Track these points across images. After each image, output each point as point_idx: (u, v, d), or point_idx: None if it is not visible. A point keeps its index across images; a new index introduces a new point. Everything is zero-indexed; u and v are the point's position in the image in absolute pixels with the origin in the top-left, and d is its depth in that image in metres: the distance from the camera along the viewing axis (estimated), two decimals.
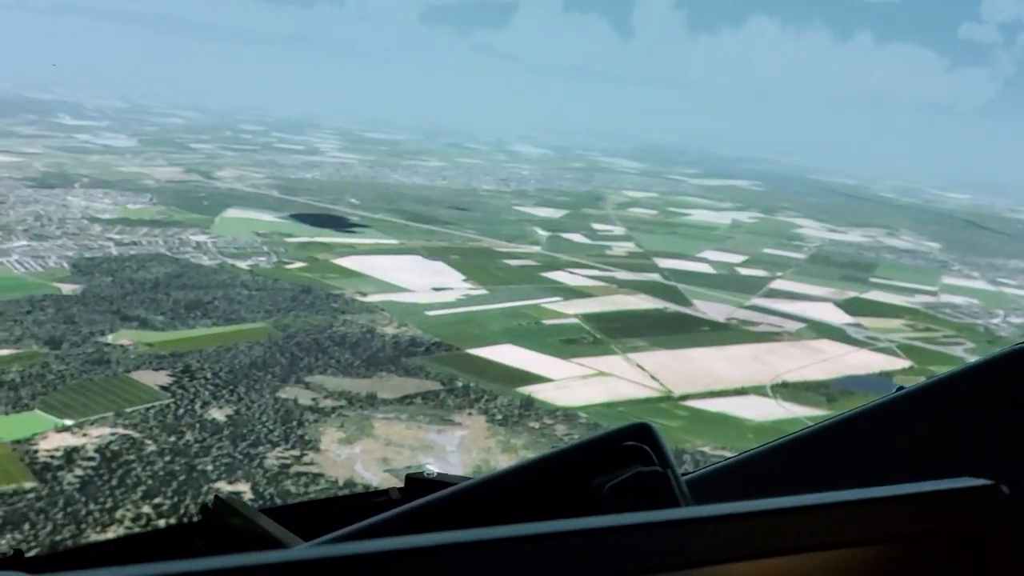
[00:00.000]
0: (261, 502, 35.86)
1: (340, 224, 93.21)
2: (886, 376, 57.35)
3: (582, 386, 51.71)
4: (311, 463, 40.69)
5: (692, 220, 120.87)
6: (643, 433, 1.91)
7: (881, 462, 2.66)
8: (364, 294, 65.90)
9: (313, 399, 47.04)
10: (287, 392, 47.64)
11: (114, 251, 72.78)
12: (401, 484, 2.91)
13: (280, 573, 0.99)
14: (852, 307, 75.95)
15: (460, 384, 49.98)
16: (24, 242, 72.75)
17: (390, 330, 58.26)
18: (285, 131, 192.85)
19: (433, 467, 39.85)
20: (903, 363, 60.70)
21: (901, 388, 2.76)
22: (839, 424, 2.77)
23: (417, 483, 2.68)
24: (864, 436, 2.71)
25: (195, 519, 2.46)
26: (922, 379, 2.86)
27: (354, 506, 2.67)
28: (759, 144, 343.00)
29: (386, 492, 2.81)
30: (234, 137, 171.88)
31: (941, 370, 2.84)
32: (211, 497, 2.44)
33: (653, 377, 54.25)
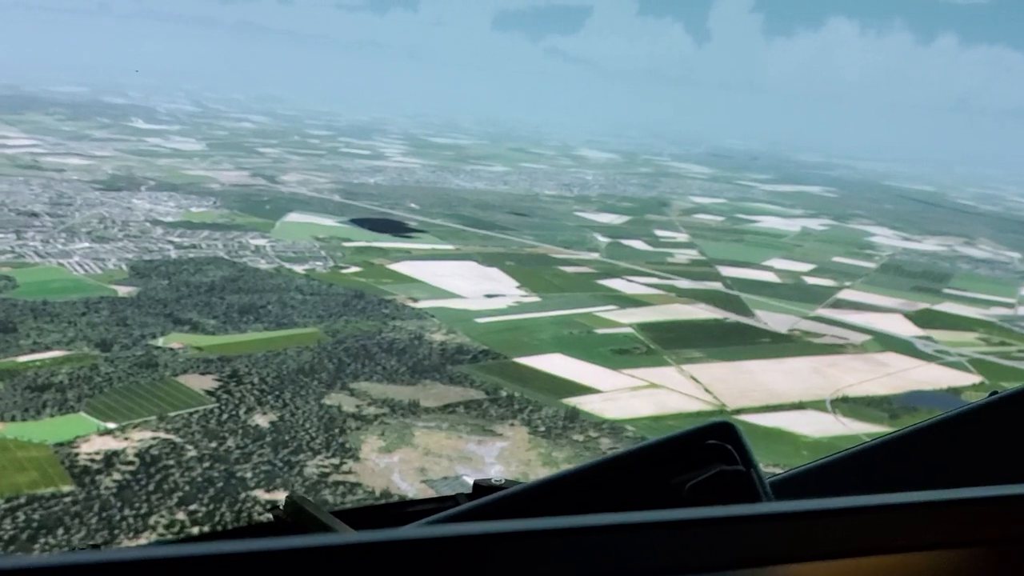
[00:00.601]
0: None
1: (398, 229, 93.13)
2: (954, 392, 54.91)
3: (631, 398, 50.34)
4: (349, 472, 40.10)
5: (760, 227, 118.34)
6: (725, 432, 1.89)
7: (969, 466, 2.56)
8: (415, 300, 65.40)
9: (357, 406, 46.56)
10: (332, 399, 47.22)
11: (173, 254, 73.51)
12: (436, 494, 2.87)
13: (383, 551, 1.06)
14: (922, 319, 73.18)
15: (504, 394, 49.01)
16: (86, 244, 73.89)
17: (438, 337, 57.58)
18: (353, 136, 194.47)
19: (467, 476, 39.01)
20: (973, 378, 58.04)
21: (995, 393, 2.70)
22: (926, 429, 2.74)
23: (485, 490, 2.52)
24: (952, 440, 2.67)
25: (268, 519, 2.39)
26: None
27: (423, 509, 2.64)
28: (837, 149, 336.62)
29: (453, 498, 2.71)
30: (302, 142, 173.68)
31: (1013, 386, 2.74)
32: (284, 498, 2.37)
33: (707, 390, 52.63)
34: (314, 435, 43.15)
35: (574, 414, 47.07)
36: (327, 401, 46.88)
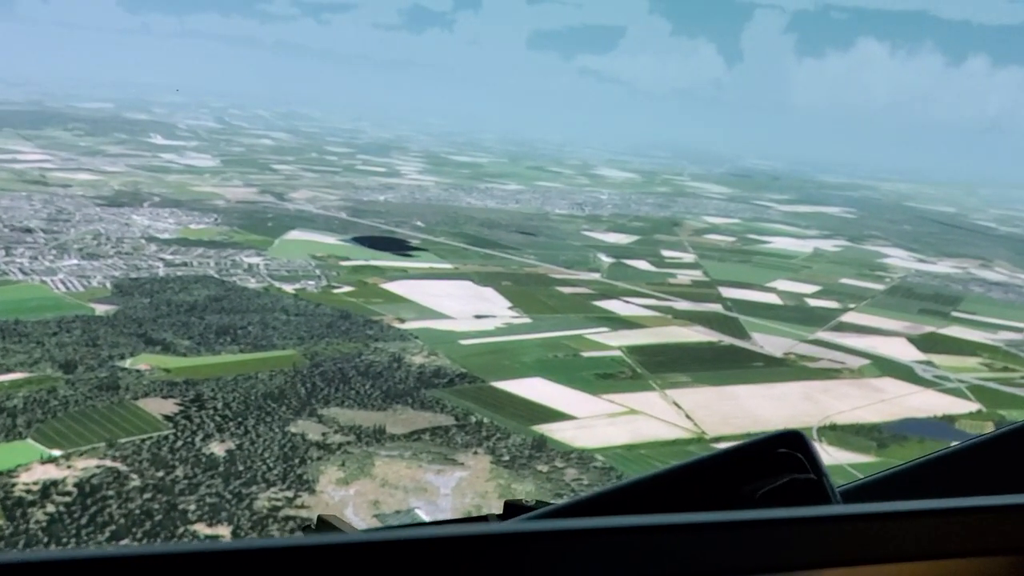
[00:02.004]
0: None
1: (399, 247, 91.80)
2: (948, 420, 52.48)
3: (607, 425, 48.37)
4: (302, 506, 38.35)
5: (771, 248, 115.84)
6: (795, 441, 1.89)
7: None
8: (402, 320, 63.89)
9: (323, 434, 44.93)
10: (298, 426, 45.66)
11: (161, 271, 72.53)
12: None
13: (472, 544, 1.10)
14: (926, 343, 70.58)
15: (474, 420, 47.21)
16: (74, 261, 73.08)
17: (418, 359, 55.97)
18: (372, 153, 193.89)
19: (419, 508, 37.31)
20: (971, 406, 55.39)
21: None
22: (997, 438, 2.67)
23: (516, 509, 2.48)
24: (1020, 451, 2.58)
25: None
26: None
27: None
28: (862, 170, 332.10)
29: (484, 518, 2.66)
30: (319, 159, 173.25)
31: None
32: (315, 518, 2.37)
33: (688, 416, 50.59)
34: (272, 465, 41.60)
35: (542, 442, 45.18)
36: (292, 428, 45.36)
